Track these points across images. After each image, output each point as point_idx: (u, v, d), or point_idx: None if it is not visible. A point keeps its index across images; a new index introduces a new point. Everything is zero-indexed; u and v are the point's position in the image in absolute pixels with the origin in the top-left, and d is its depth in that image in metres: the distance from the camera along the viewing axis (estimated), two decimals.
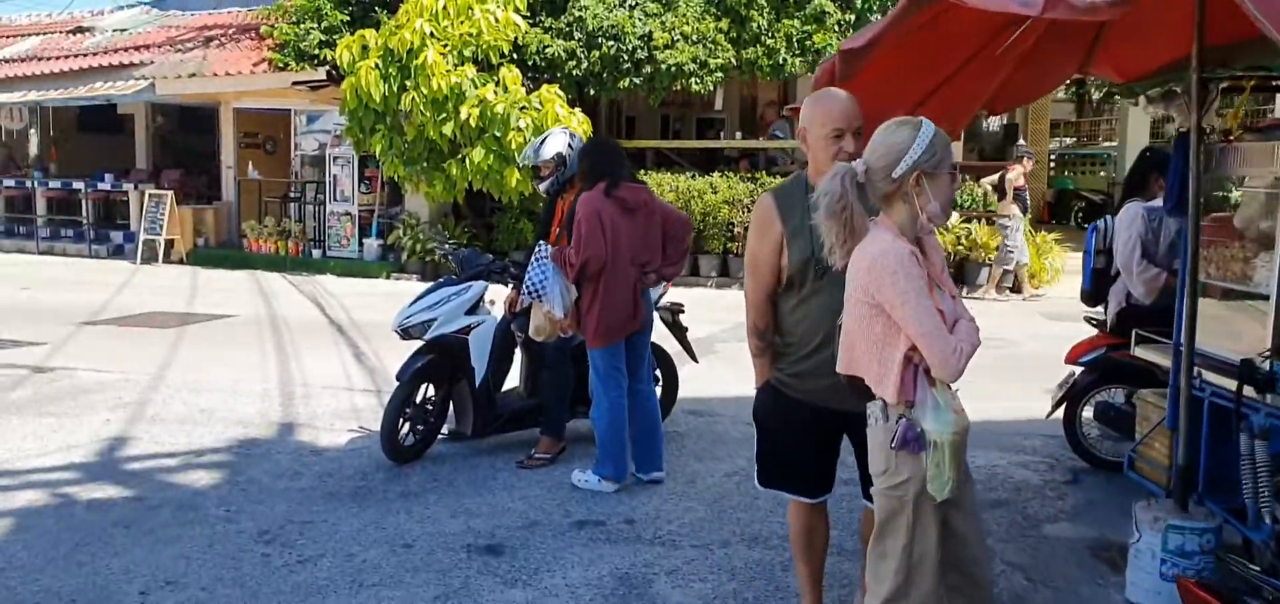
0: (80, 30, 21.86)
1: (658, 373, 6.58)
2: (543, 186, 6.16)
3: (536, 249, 5.81)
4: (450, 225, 15.79)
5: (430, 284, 6.37)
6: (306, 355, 9.30)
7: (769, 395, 3.57)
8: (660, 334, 6.26)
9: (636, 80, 14.46)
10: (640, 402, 5.74)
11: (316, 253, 16.66)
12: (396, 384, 5.93)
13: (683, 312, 6.74)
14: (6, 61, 20.22)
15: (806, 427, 3.49)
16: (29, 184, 19.45)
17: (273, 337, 10.34)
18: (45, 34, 22.31)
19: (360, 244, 16.35)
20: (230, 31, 19.37)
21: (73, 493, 5.38)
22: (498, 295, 6.41)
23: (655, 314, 6.15)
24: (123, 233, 18.72)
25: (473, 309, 6.16)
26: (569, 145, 6.09)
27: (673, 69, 14.13)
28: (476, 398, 6.10)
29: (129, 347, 9.72)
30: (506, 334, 6.29)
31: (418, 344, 6.07)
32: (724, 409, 7.34)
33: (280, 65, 16.52)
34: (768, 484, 3.70)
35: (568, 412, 6.18)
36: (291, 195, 17.66)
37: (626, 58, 14.37)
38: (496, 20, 13.94)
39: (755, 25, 14.21)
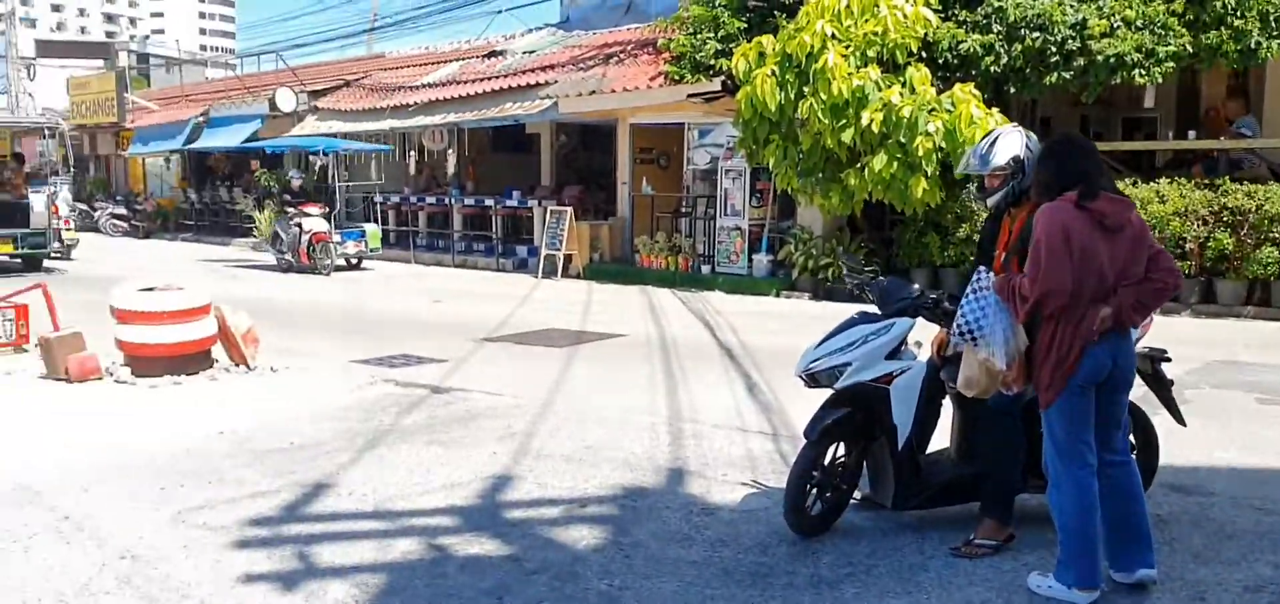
0: (493, 54, 23.15)
1: (1132, 439, 5.07)
2: (991, 200, 4.88)
3: (975, 276, 4.55)
4: (845, 239, 14.75)
5: (844, 320, 5.26)
6: (696, 384, 8.60)
7: None
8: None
9: (1066, 75, 12.59)
10: (1116, 478, 4.32)
11: (705, 268, 16.23)
12: (803, 442, 4.93)
13: (1167, 359, 5.17)
14: (430, 86, 21.77)
15: None
16: (447, 201, 20.77)
17: (662, 360, 9.78)
18: (464, 59, 23.88)
19: (749, 260, 15.71)
20: (629, 47, 19.54)
21: (449, 545, 4.87)
22: (924, 334, 5.22)
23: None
24: (527, 247, 19.44)
25: (894, 353, 5.00)
26: (1026, 147, 4.78)
27: (1111, 60, 12.13)
28: (898, 462, 4.95)
29: (523, 366, 9.54)
30: (935, 384, 5.08)
31: (826, 393, 5.03)
32: (1217, 484, 5.66)
33: (676, 78, 16.28)
34: None
35: (1018, 486, 4.87)
36: (682, 210, 17.41)
37: (1054, 50, 12.55)
38: (905, 16, 12.70)
39: (1219, 4, 11.86)
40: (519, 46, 23.38)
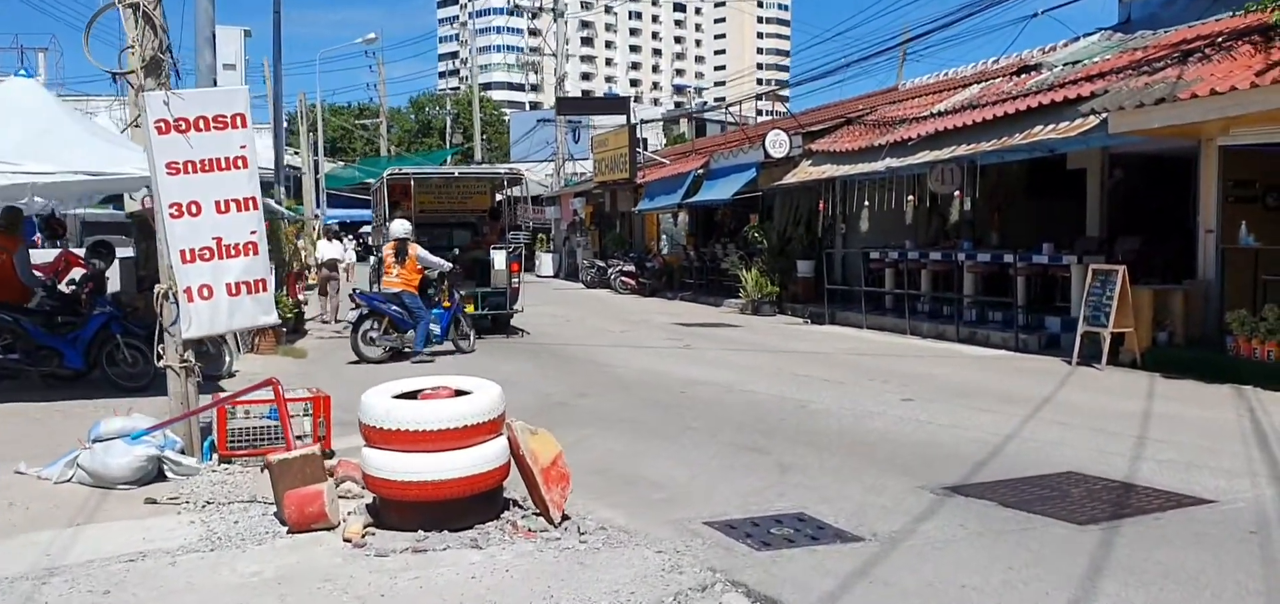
0: (1025, 70, 18.22)
1: None
2: None
3: None
4: None
5: None
6: None
7: None
8: None
9: None
10: None
11: None
12: None
13: None
14: (939, 115, 17.45)
15: None
16: (956, 256, 16.29)
17: None
18: (987, 80, 19.20)
19: None
20: (1219, 40, 13.76)
21: None
22: None
23: None
24: (1059, 320, 14.36)
25: None
26: None
27: None
28: None
29: (999, 573, 5.08)
30: None
31: None
32: None
33: None
34: None
35: None
36: None
37: None
38: None
39: None
40: (1060, 58, 18.20)
